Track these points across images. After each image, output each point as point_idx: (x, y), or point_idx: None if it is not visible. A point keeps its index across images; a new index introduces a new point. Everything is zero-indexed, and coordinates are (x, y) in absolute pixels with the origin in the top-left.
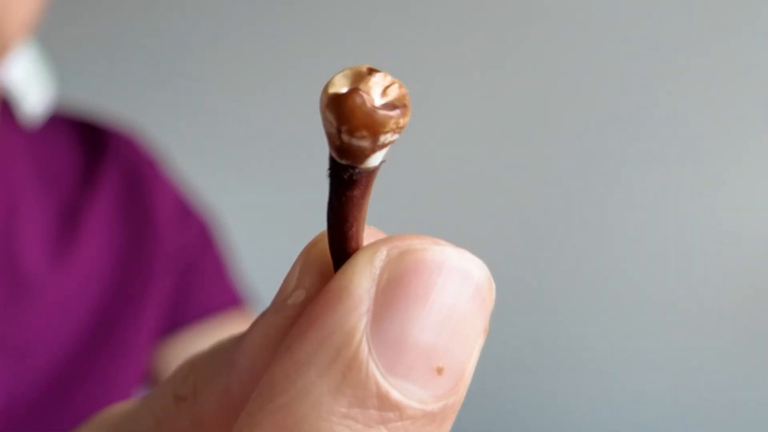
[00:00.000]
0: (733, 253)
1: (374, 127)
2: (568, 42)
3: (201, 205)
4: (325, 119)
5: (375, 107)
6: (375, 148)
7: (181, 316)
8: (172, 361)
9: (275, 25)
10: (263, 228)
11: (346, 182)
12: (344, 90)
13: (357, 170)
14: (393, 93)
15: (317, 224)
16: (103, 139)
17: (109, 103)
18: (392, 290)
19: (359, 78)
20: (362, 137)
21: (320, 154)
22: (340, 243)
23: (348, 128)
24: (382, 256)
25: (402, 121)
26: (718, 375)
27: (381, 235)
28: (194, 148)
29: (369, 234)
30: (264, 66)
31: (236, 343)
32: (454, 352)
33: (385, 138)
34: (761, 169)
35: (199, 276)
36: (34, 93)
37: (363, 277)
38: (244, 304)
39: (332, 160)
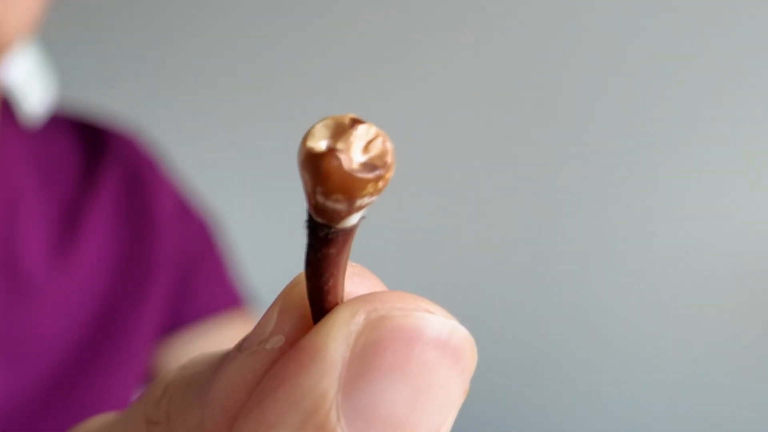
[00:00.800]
0: (733, 253)
1: (350, 192)
2: (564, 44)
3: (201, 205)
4: (300, 175)
5: (352, 170)
6: (351, 210)
7: (181, 316)
8: (172, 361)
9: (276, 26)
10: (263, 228)
11: (322, 240)
12: (322, 144)
13: (333, 230)
14: (376, 148)
15: None
16: (104, 140)
17: (109, 103)
18: (367, 358)
19: (341, 130)
20: (337, 200)
21: None
22: (318, 296)
23: (323, 190)
24: (359, 320)
25: (381, 184)
26: (718, 376)
27: (366, 280)
28: (194, 148)
29: (352, 273)
30: (265, 66)
31: (211, 373)
32: (427, 422)
33: (361, 201)
34: (761, 169)
35: (199, 276)
36: (35, 93)
37: (338, 341)
38: (244, 305)
39: (309, 215)
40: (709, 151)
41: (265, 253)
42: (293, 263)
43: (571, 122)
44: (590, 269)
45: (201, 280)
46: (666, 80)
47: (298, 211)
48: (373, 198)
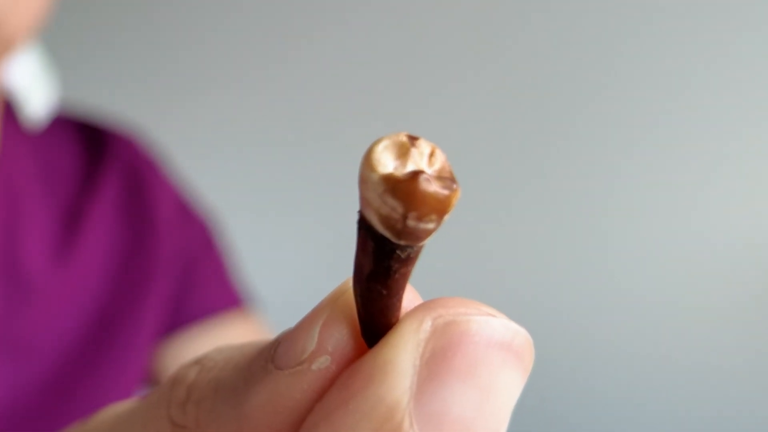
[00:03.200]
0: (733, 253)
1: (443, 210)
2: (570, 41)
3: (201, 205)
4: (383, 203)
5: (441, 188)
6: (439, 226)
7: (181, 317)
8: (172, 361)
9: (276, 26)
10: (263, 228)
11: (404, 260)
12: (391, 166)
13: (415, 248)
14: (438, 161)
15: (317, 224)
16: (104, 141)
17: (110, 104)
18: (436, 364)
19: (403, 149)
20: (431, 221)
21: (321, 155)
22: (386, 312)
23: (417, 215)
24: (427, 327)
25: (459, 193)
26: (717, 375)
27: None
28: (195, 149)
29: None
30: (265, 67)
31: (243, 382)
32: (493, 421)
33: (448, 216)
34: (761, 169)
35: (200, 276)
36: (38, 95)
37: (408, 350)
38: (244, 305)
39: (385, 240)
40: (710, 150)
41: (265, 253)
42: (293, 263)
43: (572, 121)
44: (590, 270)
45: (201, 280)
46: (665, 80)
47: (298, 212)
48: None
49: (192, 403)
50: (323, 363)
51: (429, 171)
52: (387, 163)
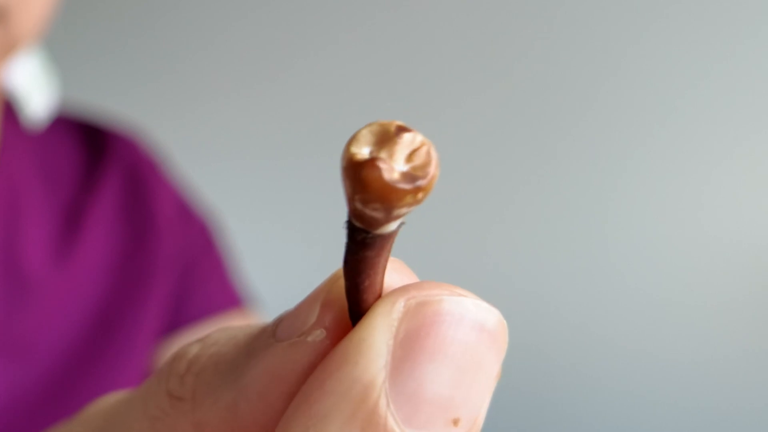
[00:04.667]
0: (733, 253)
1: (389, 202)
2: (565, 42)
3: (201, 205)
4: (342, 180)
5: (392, 180)
6: (389, 219)
7: (181, 317)
8: None
9: (277, 26)
10: (263, 228)
11: (360, 243)
12: (365, 151)
13: (370, 235)
14: (419, 158)
15: (317, 224)
16: (105, 141)
17: (111, 104)
18: (410, 344)
19: (386, 138)
20: (375, 209)
21: (320, 155)
22: (354, 294)
23: (361, 198)
24: (399, 308)
25: (421, 195)
26: (717, 375)
27: (403, 274)
28: (195, 149)
29: (391, 268)
30: (265, 67)
31: (243, 356)
32: (470, 402)
33: (399, 211)
34: (761, 169)
35: (200, 276)
36: (38, 96)
37: (381, 330)
38: (245, 305)
39: (348, 219)
40: (711, 150)
41: (265, 253)
42: (293, 264)
43: (573, 121)
44: (590, 269)
45: (201, 280)
46: (666, 80)
47: (298, 212)
48: (412, 208)
49: (191, 374)
50: (318, 336)
51: (402, 164)
52: (364, 145)
